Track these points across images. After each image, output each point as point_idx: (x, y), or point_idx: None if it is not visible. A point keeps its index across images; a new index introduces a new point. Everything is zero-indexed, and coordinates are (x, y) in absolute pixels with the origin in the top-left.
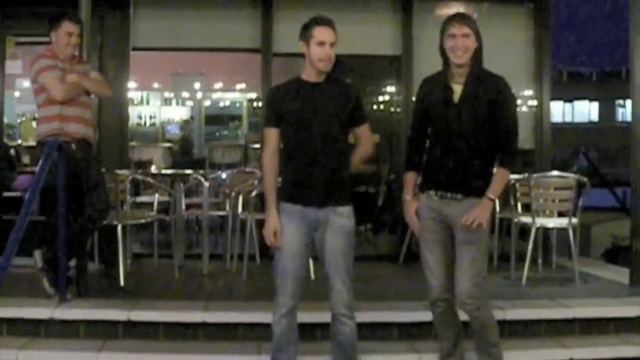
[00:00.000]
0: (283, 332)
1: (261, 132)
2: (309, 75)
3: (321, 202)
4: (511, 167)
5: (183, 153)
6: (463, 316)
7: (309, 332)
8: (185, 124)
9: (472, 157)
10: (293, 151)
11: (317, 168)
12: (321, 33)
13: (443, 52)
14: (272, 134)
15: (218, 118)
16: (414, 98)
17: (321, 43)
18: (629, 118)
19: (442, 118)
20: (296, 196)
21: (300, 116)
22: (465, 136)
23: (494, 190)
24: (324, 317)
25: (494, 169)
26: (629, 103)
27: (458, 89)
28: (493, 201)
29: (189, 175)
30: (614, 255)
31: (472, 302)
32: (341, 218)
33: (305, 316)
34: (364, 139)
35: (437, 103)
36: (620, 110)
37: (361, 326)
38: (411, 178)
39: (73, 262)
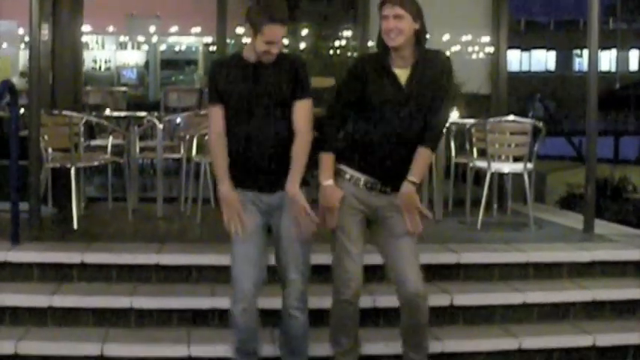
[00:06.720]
0: (247, 324)
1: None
2: (250, 55)
3: (272, 186)
4: (435, 149)
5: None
6: None
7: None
8: None
9: (412, 146)
10: (237, 136)
11: (262, 153)
12: (271, 32)
13: (380, 35)
14: (216, 112)
15: (174, 63)
16: (370, 42)
17: (270, 43)
18: (585, 67)
19: (387, 104)
20: (246, 181)
21: (240, 99)
22: (410, 124)
23: (418, 174)
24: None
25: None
26: (586, 52)
27: (402, 74)
28: (417, 185)
29: (143, 117)
30: (568, 203)
31: (424, 293)
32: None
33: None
34: (299, 121)
35: (381, 87)
36: (577, 60)
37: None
38: (329, 161)
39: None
